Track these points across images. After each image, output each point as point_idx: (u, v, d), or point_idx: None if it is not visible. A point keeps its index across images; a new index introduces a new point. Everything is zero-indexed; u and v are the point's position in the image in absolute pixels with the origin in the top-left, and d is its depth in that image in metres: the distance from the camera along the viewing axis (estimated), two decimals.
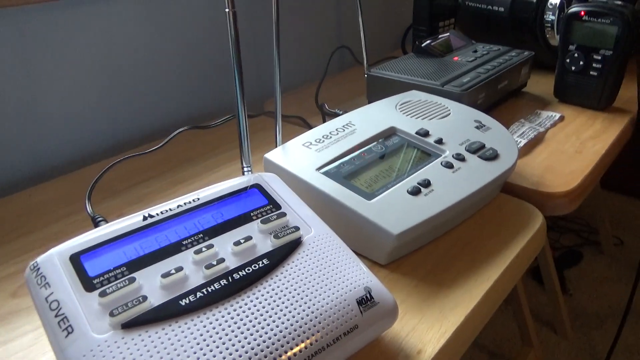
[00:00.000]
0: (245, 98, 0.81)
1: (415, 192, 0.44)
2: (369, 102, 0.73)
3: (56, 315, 0.30)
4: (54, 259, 0.32)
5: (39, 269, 0.32)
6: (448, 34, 0.82)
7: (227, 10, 0.39)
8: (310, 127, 0.69)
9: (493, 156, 0.49)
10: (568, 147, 0.60)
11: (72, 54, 0.60)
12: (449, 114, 0.57)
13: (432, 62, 0.73)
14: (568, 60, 0.70)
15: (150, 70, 0.68)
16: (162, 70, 0.70)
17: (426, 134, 0.52)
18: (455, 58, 0.74)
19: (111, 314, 0.29)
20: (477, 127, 0.54)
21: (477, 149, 0.49)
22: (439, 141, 0.51)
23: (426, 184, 0.44)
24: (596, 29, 0.66)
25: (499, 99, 0.72)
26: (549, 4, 0.80)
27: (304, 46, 0.90)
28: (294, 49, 0.88)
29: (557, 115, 0.68)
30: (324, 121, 0.69)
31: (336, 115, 0.63)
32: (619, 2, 0.65)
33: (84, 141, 0.64)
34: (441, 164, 0.47)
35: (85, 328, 0.29)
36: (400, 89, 0.66)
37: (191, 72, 0.74)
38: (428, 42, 0.77)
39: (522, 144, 0.60)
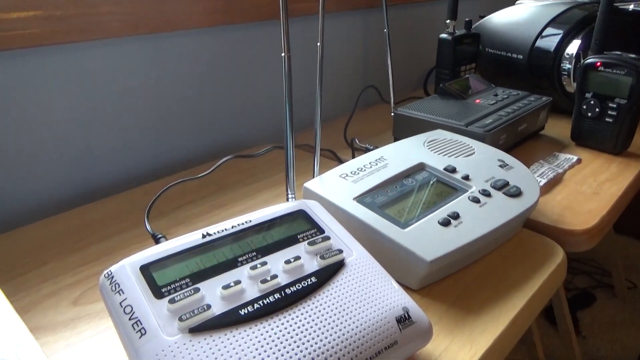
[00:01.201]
0: (277, 130, 0.87)
1: (445, 223, 0.47)
2: (395, 139, 0.78)
3: (130, 319, 0.33)
4: (126, 268, 0.36)
5: (113, 277, 0.36)
6: (469, 77, 0.87)
7: (283, 54, 0.44)
8: (340, 160, 0.74)
9: (517, 193, 0.52)
10: (585, 188, 0.64)
11: (126, 89, 0.66)
12: (474, 152, 0.61)
13: (455, 104, 0.78)
14: (584, 107, 0.74)
15: (196, 104, 0.74)
16: (205, 103, 0.75)
17: (453, 170, 0.56)
18: (477, 100, 0.79)
19: (180, 319, 0.33)
20: (500, 166, 0.58)
21: (502, 186, 0.53)
22: (466, 177, 0.54)
23: (455, 216, 0.48)
24: (611, 78, 0.71)
25: (519, 141, 0.76)
26: (565, 53, 0.85)
27: (332, 84, 0.95)
28: (323, 86, 0.94)
29: (575, 158, 0.72)
30: (353, 155, 0.74)
31: (367, 150, 0.67)
32: (633, 56, 0.70)
33: (132, 165, 0.69)
34: (469, 198, 0.51)
35: (157, 331, 0.32)
36: (426, 128, 0.70)
37: (233, 105, 0.79)
38: (451, 84, 0.82)
39: (542, 184, 0.64)
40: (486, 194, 0.52)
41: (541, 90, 0.88)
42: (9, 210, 0.59)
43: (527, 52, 0.90)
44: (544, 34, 0.89)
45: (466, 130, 0.68)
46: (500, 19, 0.98)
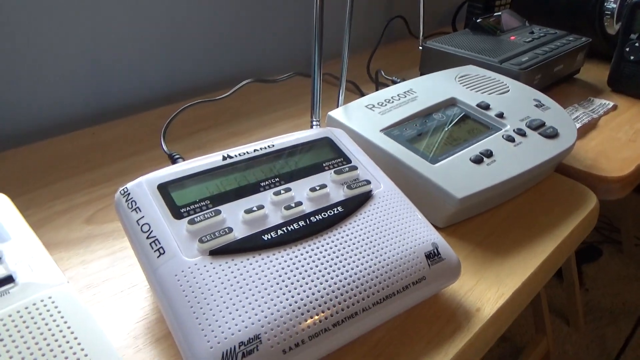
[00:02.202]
0: (300, 58, 0.82)
1: (477, 160, 0.44)
2: (422, 74, 0.73)
3: (148, 237, 0.32)
4: (143, 186, 0.34)
5: (129, 194, 0.34)
6: (501, 12, 0.81)
7: None
8: (362, 93, 0.70)
9: (553, 134, 0.49)
10: (621, 135, 0.61)
11: (141, 3, 0.61)
12: (508, 90, 0.57)
13: (488, 40, 0.73)
14: (627, 49, 0.69)
15: (214, 25, 0.69)
16: (226, 23, 0.70)
17: (487, 107, 0.52)
18: (512, 37, 0.73)
19: (200, 241, 0.31)
20: (536, 106, 0.54)
21: (538, 126, 0.50)
22: (500, 115, 0.51)
23: (489, 154, 0.45)
24: None
25: (553, 82, 0.72)
26: None
27: (355, 14, 0.89)
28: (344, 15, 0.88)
29: (610, 104, 0.68)
30: (377, 88, 0.70)
31: (393, 82, 0.63)
32: None
33: (145, 86, 0.66)
34: (502, 136, 0.48)
35: (176, 251, 0.31)
36: (456, 64, 0.66)
37: (254, 29, 0.74)
38: (484, 19, 0.76)
39: (576, 127, 0.60)
40: (521, 133, 0.49)
41: (578, 32, 0.82)
42: (19, 124, 0.57)
43: None
44: None
45: (500, 67, 0.64)
46: None
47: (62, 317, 0.27)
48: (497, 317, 0.36)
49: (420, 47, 0.73)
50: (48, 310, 0.27)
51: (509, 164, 0.45)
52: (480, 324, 0.35)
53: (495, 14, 0.80)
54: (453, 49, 0.69)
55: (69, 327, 0.27)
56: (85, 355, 0.26)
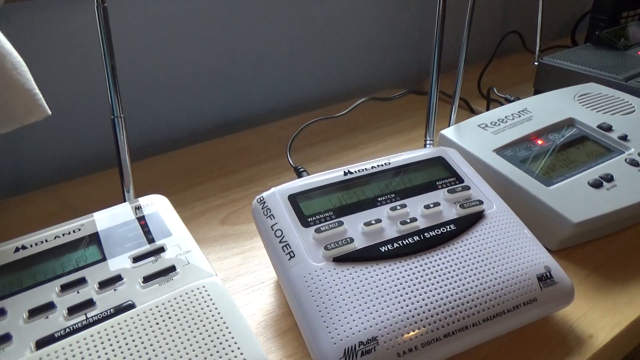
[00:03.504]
0: (407, 74, 0.84)
1: (596, 185, 0.44)
2: (536, 91, 0.72)
3: (280, 242, 0.36)
4: (276, 196, 0.39)
5: (265, 202, 0.39)
6: (629, 25, 0.76)
7: None
8: (472, 110, 0.70)
9: None
10: None
11: (270, 26, 0.68)
12: (634, 110, 0.54)
13: (612, 55, 0.70)
14: None
15: (334, 41, 0.74)
16: (346, 41, 0.75)
17: (609, 128, 0.51)
18: None
19: (325, 248, 0.35)
20: None
21: None
22: (624, 137, 0.49)
23: (609, 178, 0.44)
24: None
25: None
26: None
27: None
28: (456, 31, 0.88)
29: None
30: (488, 105, 0.70)
31: (507, 100, 0.63)
32: None
33: (270, 98, 0.72)
34: (625, 160, 0.47)
35: (304, 255, 0.35)
36: (575, 81, 0.64)
37: (370, 45, 0.78)
38: (609, 33, 0.73)
39: None
40: None
41: None
42: (165, 135, 0.66)
43: None
44: None
45: (625, 85, 0.61)
46: None
47: (213, 304, 0.32)
48: (611, 346, 0.35)
49: (536, 63, 0.71)
50: (202, 297, 0.33)
51: (631, 190, 0.43)
52: (592, 351, 0.35)
53: (621, 26, 0.76)
54: (572, 65, 0.67)
55: (219, 313, 0.32)
56: (232, 337, 0.31)
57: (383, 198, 0.40)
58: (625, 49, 0.71)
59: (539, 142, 0.50)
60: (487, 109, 0.68)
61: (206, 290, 0.33)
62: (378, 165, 0.42)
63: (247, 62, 0.68)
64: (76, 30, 0.54)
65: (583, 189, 0.43)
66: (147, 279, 0.34)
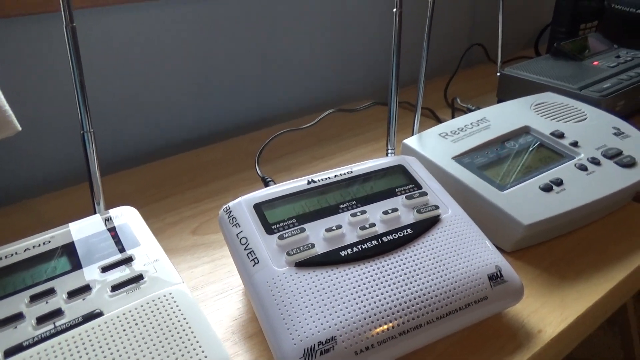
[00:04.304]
0: (376, 86, 0.87)
1: (547, 188, 0.46)
2: (499, 101, 0.75)
3: (245, 249, 0.38)
4: (242, 205, 0.41)
5: (231, 211, 0.41)
6: (587, 36, 0.80)
7: (395, 10, 0.45)
8: (438, 119, 0.73)
9: (630, 163, 0.50)
10: None
11: (237, 42, 0.70)
12: (586, 118, 0.57)
13: (570, 65, 0.73)
14: None
15: (302, 56, 0.76)
16: (313, 56, 0.78)
17: (561, 135, 0.54)
18: (595, 62, 0.73)
19: (288, 254, 0.37)
20: (615, 134, 0.54)
21: (614, 155, 0.50)
22: (574, 144, 0.52)
23: (558, 182, 0.47)
24: None
25: (638, 109, 0.70)
26: None
27: (434, 40, 0.93)
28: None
29: None
30: (453, 115, 0.73)
31: (468, 110, 0.66)
32: None
33: (239, 112, 0.74)
34: (575, 165, 0.49)
35: (268, 262, 0.37)
36: (534, 90, 0.67)
37: (338, 59, 0.81)
38: (567, 44, 0.77)
39: None
40: (595, 162, 0.50)
41: None
42: (137, 149, 0.67)
43: None
44: None
45: (579, 94, 0.64)
46: None
47: (179, 310, 0.34)
48: (558, 340, 0.38)
49: (498, 74, 0.75)
50: (169, 304, 0.34)
51: (579, 193, 0.46)
52: (540, 345, 0.37)
53: (579, 37, 0.80)
54: (531, 76, 0.71)
55: (184, 319, 0.33)
56: (197, 342, 0.32)
57: (344, 205, 0.42)
58: (582, 60, 0.75)
59: (496, 149, 0.52)
60: (452, 118, 0.71)
61: (173, 298, 0.35)
62: (341, 174, 0.44)
63: (217, 77, 0.70)
64: (47, 47, 0.56)
65: (534, 193, 0.46)
66: (115, 287, 0.35)
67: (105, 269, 0.36)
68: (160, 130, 0.68)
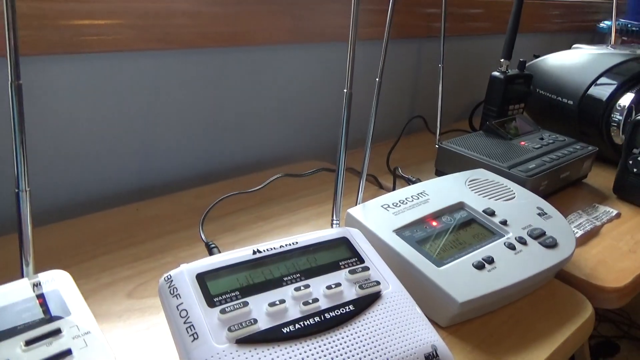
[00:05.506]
0: (322, 146, 0.90)
1: (479, 266, 0.49)
2: (437, 170, 0.80)
3: (185, 322, 0.37)
4: (184, 274, 0.40)
5: (172, 281, 0.40)
6: (516, 117, 0.88)
7: (345, 90, 0.47)
8: (381, 186, 0.76)
9: (552, 244, 0.54)
10: (622, 245, 0.64)
11: (190, 97, 0.70)
12: (514, 197, 0.62)
13: (500, 144, 0.79)
14: (630, 162, 0.74)
15: (248, 117, 0.78)
16: (260, 118, 0.79)
17: (492, 213, 0.57)
18: (523, 143, 0.80)
19: (229, 329, 0.36)
20: (539, 214, 0.59)
21: (539, 236, 0.55)
22: (504, 222, 0.56)
23: (490, 260, 0.50)
24: None
25: (560, 187, 0.77)
26: (617, 105, 0.85)
27: (379, 110, 0.98)
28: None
29: (614, 212, 0.72)
30: (394, 184, 0.76)
31: (409, 181, 0.69)
32: None
33: (185, 165, 0.73)
34: (504, 244, 0.53)
35: (207, 337, 0.36)
36: (469, 165, 0.72)
37: (287, 122, 0.83)
38: (498, 123, 0.83)
39: (578, 235, 0.65)
40: (522, 241, 0.53)
41: (588, 138, 0.88)
42: (73, 199, 0.64)
43: (578, 98, 0.90)
44: (598, 82, 0.89)
45: (508, 173, 0.70)
46: (555, 61, 0.98)
47: None
48: None
49: (437, 146, 0.79)
50: None
51: (509, 272, 0.49)
52: None
53: (508, 118, 0.87)
54: (465, 151, 0.76)
55: None
56: None
57: (289, 278, 0.42)
58: (511, 139, 0.82)
59: (434, 223, 0.55)
60: (394, 187, 0.74)
61: None
62: (286, 245, 0.45)
63: (163, 129, 0.70)
64: None
65: (468, 270, 0.49)
66: None
67: (29, 343, 0.34)
68: (99, 181, 0.66)
